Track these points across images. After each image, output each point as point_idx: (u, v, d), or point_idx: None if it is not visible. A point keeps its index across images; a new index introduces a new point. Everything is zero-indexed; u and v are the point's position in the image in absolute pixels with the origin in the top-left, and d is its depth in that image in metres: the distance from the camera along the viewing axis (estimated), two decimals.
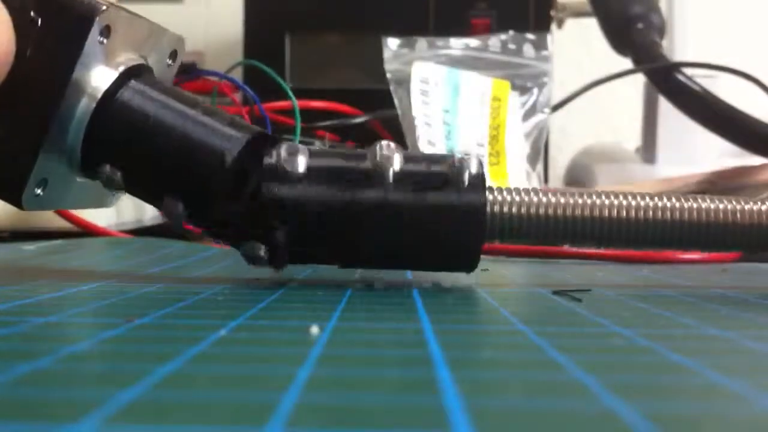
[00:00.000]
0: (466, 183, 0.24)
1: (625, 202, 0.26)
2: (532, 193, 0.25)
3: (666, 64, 0.60)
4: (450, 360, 0.14)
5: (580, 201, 0.25)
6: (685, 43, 0.74)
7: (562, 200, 0.25)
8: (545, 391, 0.12)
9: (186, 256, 0.36)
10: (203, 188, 0.24)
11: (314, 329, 0.17)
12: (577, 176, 0.72)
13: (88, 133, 0.24)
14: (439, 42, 0.57)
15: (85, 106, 0.23)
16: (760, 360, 0.15)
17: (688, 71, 0.59)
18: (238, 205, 0.24)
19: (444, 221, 0.24)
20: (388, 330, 0.18)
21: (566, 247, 0.48)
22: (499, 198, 0.25)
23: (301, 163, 0.24)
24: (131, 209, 0.49)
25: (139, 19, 0.25)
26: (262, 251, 0.24)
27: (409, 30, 0.59)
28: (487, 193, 0.25)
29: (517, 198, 0.25)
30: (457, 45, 0.57)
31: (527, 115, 0.56)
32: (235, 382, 0.12)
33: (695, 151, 0.67)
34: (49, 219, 0.42)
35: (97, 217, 0.44)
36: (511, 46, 0.58)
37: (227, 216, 0.24)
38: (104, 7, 0.23)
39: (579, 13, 0.69)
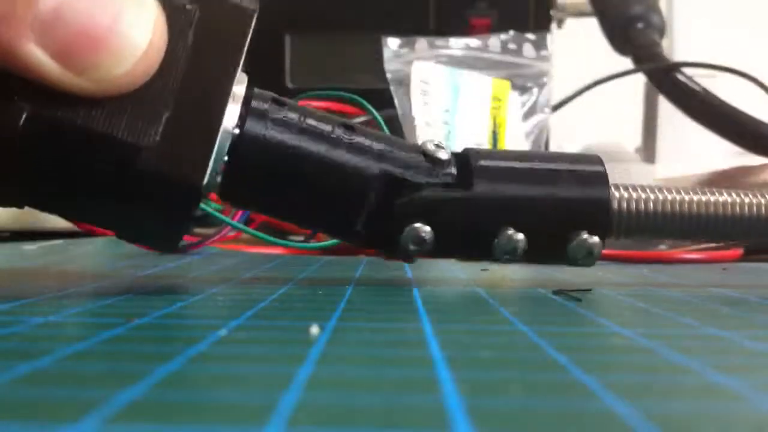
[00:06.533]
0: (590, 179, 0.25)
1: (746, 200, 0.26)
2: (656, 191, 0.26)
3: (666, 64, 0.60)
4: (450, 360, 0.14)
5: (703, 198, 0.26)
6: (685, 43, 0.73)
7: (686, 197, 0.26)
8: (545, 391, 0.12)
9: (186, 256, 0.36)
10: (350, 215, 0.24)
11: (314, 329, 0.17)
12: None
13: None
14: (439, 42, 0.57)
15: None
16: (760, 360, 0.15)
17: (688, 71, 0.59)
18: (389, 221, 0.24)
19: (568, 216, 0.25)
20: (388, 330, 0.18)
21: None
22: (626, 195, 0.25)
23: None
24: None
25: None
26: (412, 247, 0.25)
27: (409, 30, 0.59)
28: (612, 189, 0.25)
29: (643, 195, 0.26)
30: (457, 45, 0.57)
31: (527, 115, 0.56)
32: (235, 382, 0.12)
33: (695, 151, 0.67)
34: (49, 219, 0.42)
35: None
36: (511, 46, 0.58)
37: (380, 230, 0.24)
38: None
39: (579, 13, 0.69)
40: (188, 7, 0.22)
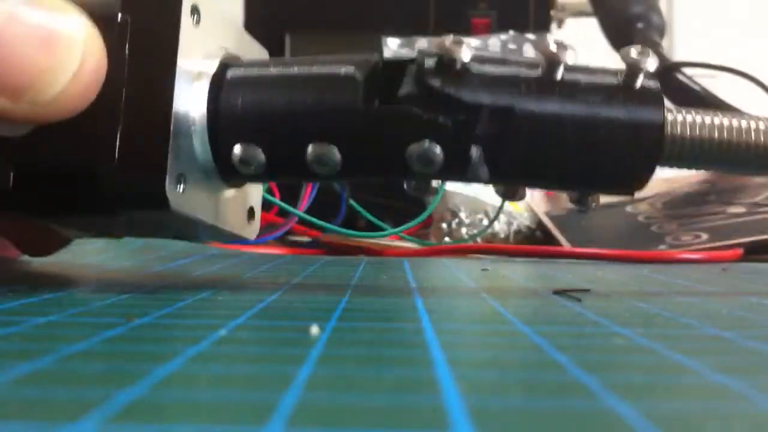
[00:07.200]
0: (644, 98, 0.22)
1: None
2: (713, 115, 0.23)
3: (666, 64, 0.60)
4: (450, 360, 0.14)
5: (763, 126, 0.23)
6: (685, 43, 0.74)
7: (744, 124, 0.23)
8: (545, 391, 0.12)
9: (186, 256, 0.36)
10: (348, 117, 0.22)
11: (314, 329, 0.17)
12: None
13: (211, 124, 0.22)
14: None
15: (198, 90, 0.22)
16: (760, 360, 0.15)
17: (688, 71, 0.60)
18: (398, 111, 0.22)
19: (616, 139, 0.22)
20: (388, 330, 0.18)
21: (566, 247, 0.48)
22: (680, 118, 0.23)
23: (466, 55, 0.22)
24: None
25: (220, 13, 0.24)
26: (438, 150, 0.22)
27: (409, 30, 0.59)
28: (665, 111, 0.22)
29: (699, 119, 0.23)
30: None
31: None
32: (235, 382, 0.12)
33: None
34: None
35: None
36: (511, 46, 0.58)
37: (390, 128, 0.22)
38: None
39: (579, 13, 0.69)
40: (120, 18, 0.22)
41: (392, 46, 0.56)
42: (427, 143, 0.22)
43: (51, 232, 0.28)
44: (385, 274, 0.31)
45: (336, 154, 0.22)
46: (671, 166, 0.23)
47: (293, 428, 0.10)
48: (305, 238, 0.49)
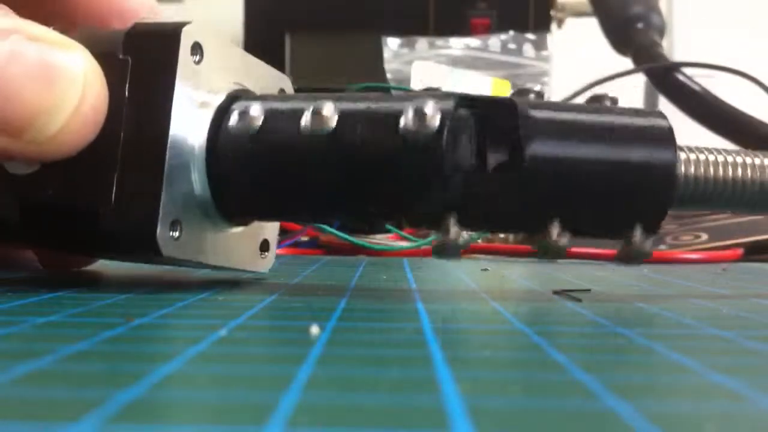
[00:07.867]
0: (654, 137, 0.21)
1: None
2: (726, 154, 0.22)
3: (666, 64, 0.60)
4: (450, 360, 0.14)
5: None
6: (685, 43, 0.74)
7: (758, 162, 0.22)
8: (545, 391, 0.12)
9: None
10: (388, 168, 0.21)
11: (314, 329, 0.17)
12: None
13: (210, 170, 0.22)
14: (439, 42, 0.57)
15: (198, 141, 0.22)
16: (760, 360, 0.15)
17: (688, 71, 0.60)
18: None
19: (625, 181, 0.21)
20: (388, 330, 0.18)
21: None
22: (692, 157, 0.22)
23: None
24: None
25: (233, 47, 0.24)
26: (436, 112, 0.20)
27: (409, 30, 0.59)
28: (678, 150, 0.21)
29: (711, 158, 0.22)
30: (457, 45, 0.58)
31: None
32: (235, 382, 0.12)
33: None
34: None
35: None
36: (511, 46, 0.58)
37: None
38: (189, 23, 0.22)
39: (579, 13, 0.69)
40: (121, 57, 0.22)
41: (392, 47, 0.56)
42: (426, 99, 0.20)
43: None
44: (385, 274, 0.31)
45: (332, 109, 0.21)
46: (684, 208, 0.23)
47: (293, 428, 0.10)
48: (305, 238, 0.49)
